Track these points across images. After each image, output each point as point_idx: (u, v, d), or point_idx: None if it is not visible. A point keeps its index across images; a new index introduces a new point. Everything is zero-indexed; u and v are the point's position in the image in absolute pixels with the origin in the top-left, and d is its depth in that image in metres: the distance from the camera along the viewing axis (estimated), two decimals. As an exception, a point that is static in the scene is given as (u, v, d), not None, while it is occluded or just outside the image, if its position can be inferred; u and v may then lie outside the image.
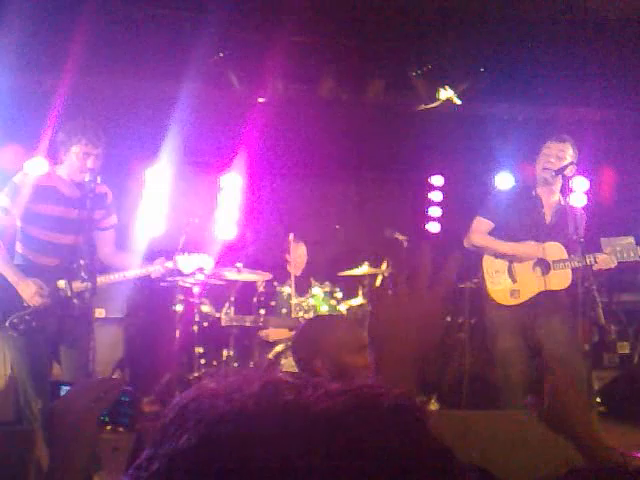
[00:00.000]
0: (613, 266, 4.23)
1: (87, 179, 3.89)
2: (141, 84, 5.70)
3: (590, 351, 4.50)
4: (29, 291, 3.77)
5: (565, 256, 4.30)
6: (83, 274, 3.86)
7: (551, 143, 4.41)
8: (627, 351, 5.69)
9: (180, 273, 4.60)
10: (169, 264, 4.21)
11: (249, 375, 0.68)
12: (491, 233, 4.46)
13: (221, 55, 5.24)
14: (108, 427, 1.67)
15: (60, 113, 4.84)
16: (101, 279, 4.01)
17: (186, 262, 4.32)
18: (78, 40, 4.81)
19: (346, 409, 0.61)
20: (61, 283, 3.88)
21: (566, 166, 4.29)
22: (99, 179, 3.99)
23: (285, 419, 0.60)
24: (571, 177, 4.47)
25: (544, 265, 4.35)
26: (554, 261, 4.32)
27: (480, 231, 4.47)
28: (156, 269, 4.17)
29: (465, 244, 4.53)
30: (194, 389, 0.69)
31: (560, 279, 4.30)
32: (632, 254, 4.23)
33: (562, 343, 4.25)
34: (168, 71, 5.33)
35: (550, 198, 4.43)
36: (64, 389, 1.41)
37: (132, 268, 4.19)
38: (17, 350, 3.88)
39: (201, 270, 4.68)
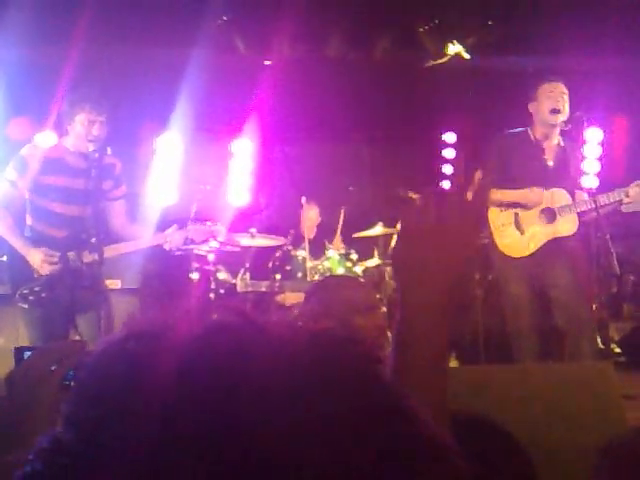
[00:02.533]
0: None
1: (91, 149, 3.86)
2: (147, 51, 5.64)
3: (608, 302, 4.47)
4: (38, 259, 3.80)
5: (569, 201, 4.25)
6: (91, 245, 3.86)
7: (551, 84, 4.30)
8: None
9: (193, 242, 4.60)
10: (181, 233, 4.21)
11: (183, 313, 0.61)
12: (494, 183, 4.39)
13: (225, 18, 5.17)
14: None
15: (68, 84, 4.82)
16: (111, 250, 4.02)
17: (198, 231, 4.31)
18: (84, 10, 4.77)
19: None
20: (71, 254, 3.89)
21: (559, 116, 4.22)
22: (109, 150, 3.98)
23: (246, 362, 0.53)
24: (585, 127, 4.38)
25: (550, 213, 4.31)
26: (559, 207, 4.27)
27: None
28: (168, 239, 4.17)
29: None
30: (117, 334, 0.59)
31: (567, 225, 4.26)
32: None
33: (568, 290, 4.22)
34: (174, 37, 5.28)
35: (551, 142, 4.35)
36: (27, 354, 1.37)
37: (145, 238, 4.20)
38: (29, 323, 3.91)
39: (214, 237, 4.68)
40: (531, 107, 4.41)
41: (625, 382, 3.13)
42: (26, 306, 3.82)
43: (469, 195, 1.10)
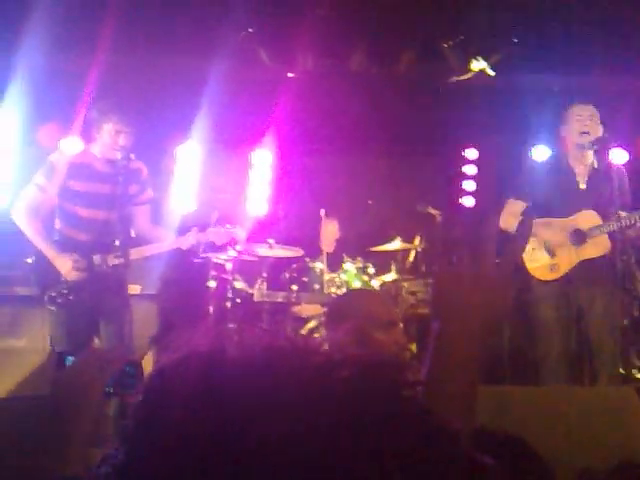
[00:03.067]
0: None
1: (119, 157, 3.94)
2: (171, 61, 5.69)
3: (630, 326, 4.43)
4: (66, 265, 3.85)
5: (600, 222, 4.23)
6: (117, 249, 3.92)
7: (579, 106, 4.33)
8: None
9: (213, 247, 4.63)
10: (201, 236, 4.26)
11: (246, 336, 0.63)
12: (526, 211, 4.40)
13: (250, 30, 5.20)
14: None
15: (94, 92, 4.88)
16: (135, 252, 4.06)
17: (218, 233, 4.35)
18: (111, 19, 4.82)
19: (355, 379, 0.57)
20: (96, 258, 3.94)
21: (588, 139, 4.21)
22: (133, 156, 4.04)
23: (300, 385, 0.56)
24: (609, 149, 4.36)
25: (580, 235, 4.29)
26: (589, 229, 4.25)
27: (510, 213, 4.39)
28: (188, 240, 4.21)
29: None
30: (180, 351, 0.62)
31: (597, 246, 4.24)
32: None
33: (599, 314, 4.21)
34: (198, 48, 5.32)
35: (584, 164, 4.34)
36: (69, 360, 1.41)
37: (167, 241, 4.25)
38: (54, 325, 3.96)
39: (233, 242, 4.71)
40: (562, 130, 4.42)
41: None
42: (54, 308, 3.88)
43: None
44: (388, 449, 0.52)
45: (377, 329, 2.28)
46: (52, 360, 4.58)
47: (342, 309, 2.39)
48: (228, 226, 4.45)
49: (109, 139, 3.96)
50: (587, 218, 4.27)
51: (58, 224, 4.05)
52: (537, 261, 4.36)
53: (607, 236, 4.20)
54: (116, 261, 3.94)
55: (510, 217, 4.36)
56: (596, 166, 4.33)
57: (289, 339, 0.62)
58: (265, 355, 0.58)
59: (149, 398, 0.59)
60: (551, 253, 4.34)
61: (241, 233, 4.60)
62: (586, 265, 4.25)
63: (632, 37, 5.26)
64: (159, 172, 5.92)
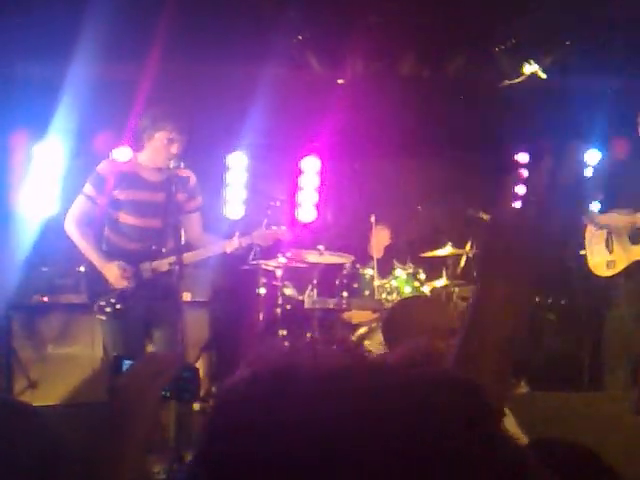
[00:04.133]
0: None
1: (171, 165, 3.93)
2: (222, 68, 5.76)
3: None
4: (113, 274, 3.89)
5: None
6: (169, 256, 3.94)
7: None
8: None
9: (263, 253, 4.63)
10: (245, 239, 4.24)
11: (315, 353, 0.62)
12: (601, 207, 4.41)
13: (300, 38, 5.23)
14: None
15: (145, 100, 4.95)
16: (185, 257, 4.08)
17: (262, 235, 4.33)
18: (161, 27, 4.90)
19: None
20: (145, 265, 3.98)
21: None
22: (182, 164, 4.06)
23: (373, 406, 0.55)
24: None
25: (638, 234, 4.21)
26: None
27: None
28: (232, 245, 4.20)
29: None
30: (247, 367, 0.61)
31: None
32: None
33: None
34: (249, 55, 5.36)
35: None
36: (127, 364, 1.41)
37: (214, 245, 4.24)
38: (107, 333, 4.01)
39: (280, 246, 4.68)
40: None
41: None
42: (104, 318, 3.93)
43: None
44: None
45: (439, 338, 2.25)
46: (108, 365, 4.67)
47: (400, 318, 2.37)
48: (274, 228, 4.43)
49: (162, 148, 3.95)
50: None
51: (107, 233, 4.08)
52: (597, 255, 4.38)
53: None
54: (165, 268, 3.97)
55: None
56: None
57: (363, 356, 0.62)
58: (341, 374, 0.58)
59: (222, 412, 0.59)
60: (610, 249, 4.30)
61: (287, 234, 4.56)
62: None
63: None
64: (209, 180, 6.00)
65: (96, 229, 4.07)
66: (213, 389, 5.07)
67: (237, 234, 4.26)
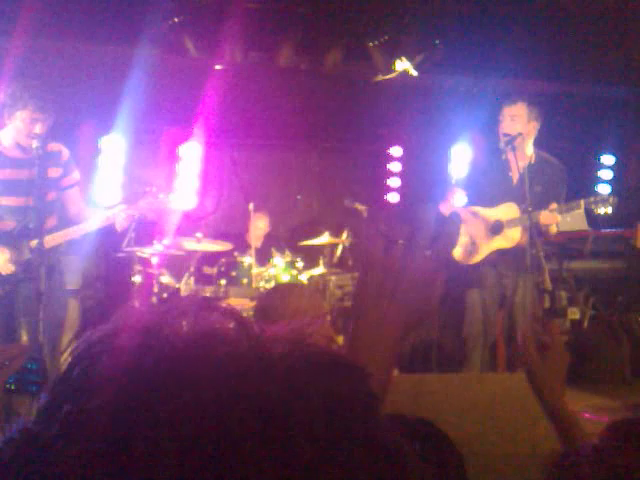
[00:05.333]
0: (556, 222, 4.32)
1: (35, 145, 3.76)
2: (94, 48, 5.55)
3: (542, 317, 4.65)
4: (1, 260, 3.74)
5: (517, 215, 4.42)
6: (34, 232, 3.78)
7: (504, 106, 4.49)
8: (577, 317, 5.87)
9: (137, 240, 4.51)
10: (132, 208, 4.13)
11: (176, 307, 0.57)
12: (453, 215, 4.64)
13: (176, 20, 5.14)
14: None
15: (9, 77, 4.70)
16: (60, 236, 3.93)
17: (149, 203, 4.22)
18: (30, 2, 4.68)
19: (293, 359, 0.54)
20: (24, 246, 3.82)
21: (514, 137, 4.35)
22: (50, 141, 3.91)
23: (234, 365, 0.52)
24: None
25: (499, 225, 4.49)
26: (507, 221, 4.45)
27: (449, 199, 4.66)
28: (120, 216, 4.06)
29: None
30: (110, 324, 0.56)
31: (509, 238, 4.45)
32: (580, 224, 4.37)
33: (519, 302, 4.40)
34: (122, 36, 5.20)
35: (519, 159, 4.44)
36: None
37: (93, 220, 4.06)
38: None
39: (166, 208, 4.51)
40: (499, 127, 4.56)
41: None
42: None
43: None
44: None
45: (305, 323, 2.32)
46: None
47: (271, 305, 2.43)
48: (161, 195, 4.32)
49: (24, 126, 3.78)
50: (508, 210, 4.46)
51: None
52: (459, 245, 4.63)
53: (519, 230, 4.40)
54: (49, 246, 3.80)
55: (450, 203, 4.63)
56: (532, 161, 4.49)
57: (248, 323, 0.58)
58: (212, 337, 0.54)
59: (78, 363, 0.54)
60: (472, 239, 4.56)
61: (174, 200, 4.46)
62: (503, 254, 4.45)
63: (548, 42, 5.50)
64: (80, 163, 5.80)
65: None
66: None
67: (121, 206, 4.13)
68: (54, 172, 3.97)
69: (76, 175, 4.14)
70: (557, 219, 4.31)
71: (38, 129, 3.78)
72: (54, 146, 3.96)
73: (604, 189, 7.16)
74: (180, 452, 0.47)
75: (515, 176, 4.51)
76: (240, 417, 0.49)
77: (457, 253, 4.64)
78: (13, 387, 1.30)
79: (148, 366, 0.51)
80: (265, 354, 0.54)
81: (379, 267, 1.04)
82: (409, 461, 0.55)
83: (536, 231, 4.27)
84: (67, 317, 5.30)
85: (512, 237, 4.43)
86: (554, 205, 4.30)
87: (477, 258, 4.54)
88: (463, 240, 4.63)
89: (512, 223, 4.42)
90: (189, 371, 0.51)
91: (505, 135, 4.42)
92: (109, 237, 4.72)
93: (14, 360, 1.27)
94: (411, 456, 0.55)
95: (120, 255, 5.29)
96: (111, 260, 5.58)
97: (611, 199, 4.33)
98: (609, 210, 4.33)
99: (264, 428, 0.49)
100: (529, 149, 4.50)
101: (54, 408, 0.52)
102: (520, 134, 4.36)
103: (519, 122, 4.41)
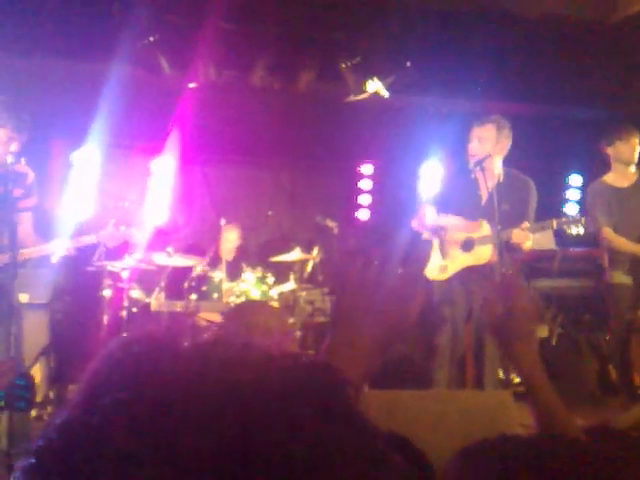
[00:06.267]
0: (528, 241, 4.38)
1: (10, 161, 3.76)
2: (69, 64, 5.56)
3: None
4: None
5: (488, 233, 4.47)
6: (10, 248, 3.75)
7: (474, 127, 4.56)
8: (545, 335, 5.94)
9: (107, 253, 4.51)
10: (90, 238, 4.15)
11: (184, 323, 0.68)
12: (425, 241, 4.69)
13: (151, 39, 5.16)
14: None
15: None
16: (21, 254, 3.90)
17: (109, 235, 4.25)
18: (6, 19, 4.67)
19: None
20: None
21: (483, 158, 4.42)
22: (23, 161, 3.90)
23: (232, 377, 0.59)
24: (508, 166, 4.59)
25: (469, 243, 4.54)
26: (479, 238, 4.50)
27: (423, 216, 4.71)
28: (78, 243, 4.09)
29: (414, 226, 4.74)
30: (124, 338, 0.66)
31: (480, 255, 4.49)
32: (549, 243, 4.44)
33: (482, 320, 4.44)
34: (97, 53, 5.22)
35: (488, 179, 4.51)
36: None
37: (43, 247, 4.08)
38: None
39: (129, 248, 4.59)
40: (469, 148, 4.63)
41: (523, 411, 3.29)
42: None
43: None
44: (317, 442, 0.55)
45: (269, 340, 2.34)
46: None
47: (235, 322, 2.45)
48: (123, 228, 4.36)
49: (0, 146, 3.81)
50: (480, 229, 4.52)
51: None
52: (431, 260, 4.66)
53: (490, 248, 4.45)
54: (6, 261, 3.77)
55: (422, 219, 4.70)
56: (501, 180, 4.56)
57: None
58: (213, 349, 0.63)
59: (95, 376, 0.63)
60: (443, 254, 4.60)
61: (137, 235, 4.50)
62: (473, 271, 4.50)
63: (513, 64, 5.63)
64: (50, 178, 5.77)
65: None
66: (51, 394, 4.88)
67: (84, 236, 4.15)
68: (17, 192, 3.95)
69: (33, 200, 4.14)
70: (529, 237, 4.37)
71: (13, 147, 3.79)
72: (21, 167, 3.95)
73: (572, 209, 7.31)
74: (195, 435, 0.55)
75: (484, 195, 4.58)
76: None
77: (428, 269, 4.66)
78: (3, 403, 1.31)
79: (162, 370, 0.60)
80: (262, 366, 0.62)
81: (355, 284, 1.05)
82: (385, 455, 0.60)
83: (508, 249, 4.33)
84: (36, 330, 5.26)
85: (483, 255, 4.47)
86: (526, 224, 4.36)
87: (448, 275, 4.57)
88: (434, 257, 4.68)
89: (483, 241, 4.47)
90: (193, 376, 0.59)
91: (473, 156, 4.49)
92: (80, 251, 4.70)
93: (3, 376, 1.27)
94: (387, 452, 0.60)
95: (90, 269, 5.26)
96: (81, 274, 5.53)
97: (583, 220, 4.39)
98: (581, 231, 4.39)
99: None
100: (497, 168, 4.57)
101: (93, 400, 0.59)
102: (489, 155, 4.43)
103: (488, 143, 4.48)
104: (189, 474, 0.53)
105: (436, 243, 4.69)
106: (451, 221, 4.61)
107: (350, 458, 0.56)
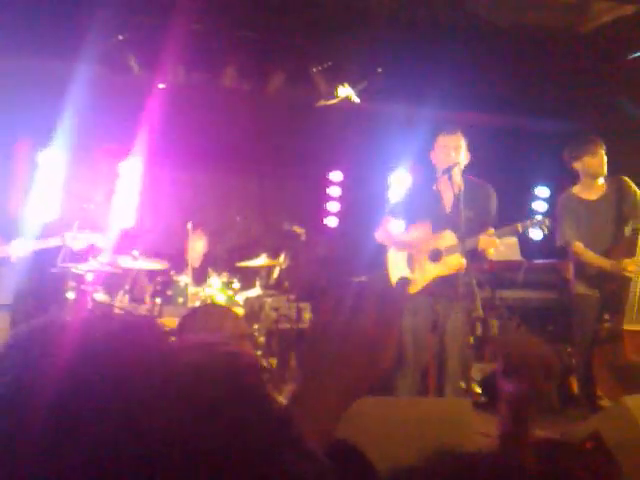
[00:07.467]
0: (495, 246, 4.39)
1: None
2: (36, 63, 5.48)
3: (473, 344, 4.73)
4: None
5: (455, 242, 4.48)
6: None
7: (440, 136, 4.57)
8: (509, 344, 5.98)
9: (71, 255, 4.46)
10: (55, 240, 4.09)
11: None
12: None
13: (120, 38, 5.11)
14: None
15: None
16: None
17: (75, 239, 4.19)
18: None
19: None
20: None
21: (451, 167, 4.44)
22: None
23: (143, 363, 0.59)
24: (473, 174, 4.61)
25: (437, 253, 4.54)
26: (446, 248, 4.50)
27: (387, 230, 4.69)
28: (39, 244, 4.02)
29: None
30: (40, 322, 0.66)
31: (449, 265, 4.49)
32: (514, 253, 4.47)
33: (450, 329, 4.45)
34: (65, 51, 5.15)
35: (451, 188, 4.51)
36: None
37: None
38: None
39: (94, 251, 4.55)
40: (431, 156, 4.63)
41: (483, 421, 3.30)
42: None
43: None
44: (227, 431, 0.56)
45: (225, 343, 2.32)
46: None
47: (191, 326, 2.43)
48: (88, 232, 4.30)
49: None
50: (446, 238, 4.53)
51: None
52: (399, 275, 4.63)
53: (459, 257, 4.46)
54: None
55: (380, 232, 4.69)
56: (463, 189, 4.56)
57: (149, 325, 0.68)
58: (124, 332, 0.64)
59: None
60: (411, 268, 4.60)
61: (102, 240, 4.44)
62: (440, 282, 4.50)
63: (481, 75, 5.68)
64: (16, 178, 5.67)
65: None
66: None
67: (20, 239, 4.08)
68: None
69: None
70: (495, 243, 4.38)
71: None
72: None
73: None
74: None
75: (448, 204, 4.61)
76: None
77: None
78: None
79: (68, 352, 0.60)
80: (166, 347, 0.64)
81: (324, 330, 1.00)
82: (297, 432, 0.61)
83: (474, 257, 4.35)
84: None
85: (451, 264, 4.49)
86: (491, 230, 4.38)
87: (417, 288, 4.55)
88: (402, 270, 4.66)
89: (450, 250, 4.48)
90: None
91: (441, 165, 4.51)
92: (44, 252, 4.64)
93: None
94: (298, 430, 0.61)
95: (54, 271, 5.18)
96: (45, 275, 5.44)
97: (546, 221, 4.41)
98: (545, 231, 4.43)
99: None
100: (459, 177, 4.59)
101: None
102: (457, 164, 4.45)
103: (456, 152, 4.51)
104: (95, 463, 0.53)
105: (403, 256, 4.68)
106: (415, 234, 4.60)
107: (254, 439, 0.56)
